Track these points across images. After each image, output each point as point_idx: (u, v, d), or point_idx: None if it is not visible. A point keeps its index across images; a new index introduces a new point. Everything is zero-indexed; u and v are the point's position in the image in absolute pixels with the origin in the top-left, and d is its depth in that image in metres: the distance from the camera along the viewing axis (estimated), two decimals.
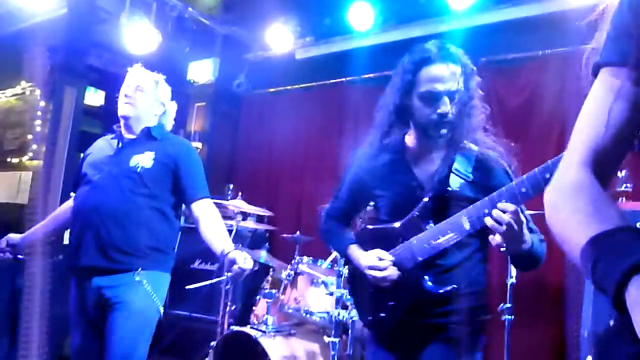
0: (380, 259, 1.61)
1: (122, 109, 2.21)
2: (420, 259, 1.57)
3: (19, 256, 2.41)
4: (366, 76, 4.58)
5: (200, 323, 3.90)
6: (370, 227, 1.76)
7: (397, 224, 1.64)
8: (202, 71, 5.19)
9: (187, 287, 3.14)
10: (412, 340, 1.61)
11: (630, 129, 0.77)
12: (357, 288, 1.79)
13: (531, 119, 3.50)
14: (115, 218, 2.03)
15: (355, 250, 1.74)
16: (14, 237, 2.31)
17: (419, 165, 1.69)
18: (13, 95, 4.70)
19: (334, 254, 2.46)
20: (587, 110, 0.80)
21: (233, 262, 1.99)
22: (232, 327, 2.78)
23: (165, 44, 4.27)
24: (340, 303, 2.37)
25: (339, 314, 2.28)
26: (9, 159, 4.70)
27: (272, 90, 5.11)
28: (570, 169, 0.79)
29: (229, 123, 5.26)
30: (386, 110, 1.70)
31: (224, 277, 2.78)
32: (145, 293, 2.01)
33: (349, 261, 1.79)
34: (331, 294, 2.31)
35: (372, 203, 1.84)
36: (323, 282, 2.35)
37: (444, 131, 1.61)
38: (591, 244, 0.66)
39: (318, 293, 2.50)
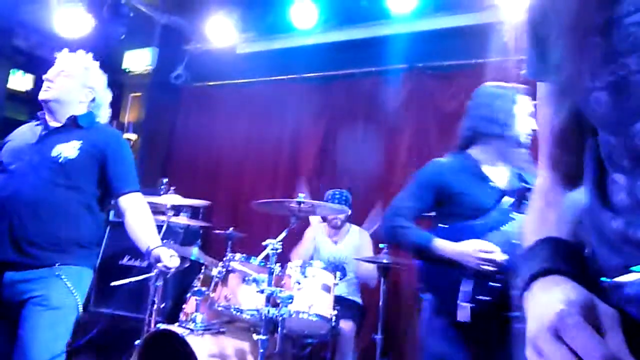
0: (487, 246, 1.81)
1: (41, 93, 2.09)
2: (517, 242, 1.71)
3: None
4: (307, 75, 4.61)
5: (127, 321, 3.76)
6: (456, 223, 1.92)
7: (485, 218, 1.88)
8: (138, 60, 5.01)
9: (113, 283, 3.02)
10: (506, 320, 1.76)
11: (575, 134, 0.81)
12: (445, 278, 1.87)
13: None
14: (32, 210, 1.91)
15: (446, 242, 1.86)
16: None
17: (489, 171, 2.00)
18: None
19: (267, 250, 2.44)
20: (538, 120, 0.86)
21: (158, 259, 1.93)
22: (160, 325, 2.70)
23: (99, 30, 4.08)
24: (270, 300, 2.36)
25: (269, 312, 2.27)
26: None
27: (212, 83, 5.02)
28: (540, 173, 0.86)
29: (166, 115, 5.11)
30: (477, 125, 2.03)
31: (151, 274, 2.71)
32: (64, 289, 1.91)
33: (430, 254, 1.88)
34: (262, 291, 2.30)
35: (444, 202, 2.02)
36: (254, 280, 2.33)
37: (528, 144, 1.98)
38: (524, 253, 0.73)
39: (249, 290, 2.48)
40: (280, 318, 2.32)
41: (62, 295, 1.91)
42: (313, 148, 4.54)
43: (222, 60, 4.79)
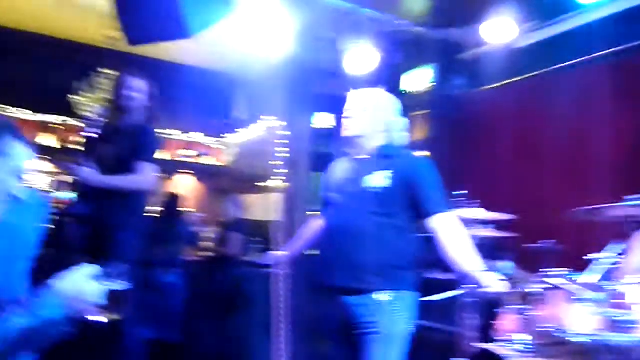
0: None
1: (344, 131, 2.29)
2: None
3: (277, 270, 2.76)
4: (601, 54, 3.98)
5: (438, 334, 3.83)
6: None
7: None
8: (418, 80, 5.19)
9: (426, 298, 3.11)
10: None
11: None
12: None
13: None
14: (360, 239, 2.10)
15: None
16: (275, 254, 2.63)
17: None
18: (261, 129, 5.55)
19: (599, 265, 2.11)
20: None
21: (480, 282, 1.88)
22: (476, 344, 2.64)
23: (381, 60, 4.39)
24: (609, 324, 2.04)
25: (612, 337, 1.96)
26: (261, 183, 5.54)
27: (492, 86, 4.82)
28: None
29: (450, 127, 5.11)
30: None
31: (464, 291, 2.66)
32: (390, 314, 2.03)
33: None
34: (600, 313, 2.00)
35: None
36: (588, 299, 2.05)
37: None
38: None
39: (580, 311, 2.19)
40: (626, 345, 1.97)
41: (390, 322, 2.02)
42: (622, 138, 3.85)
43: (501, 60, 4.56)
